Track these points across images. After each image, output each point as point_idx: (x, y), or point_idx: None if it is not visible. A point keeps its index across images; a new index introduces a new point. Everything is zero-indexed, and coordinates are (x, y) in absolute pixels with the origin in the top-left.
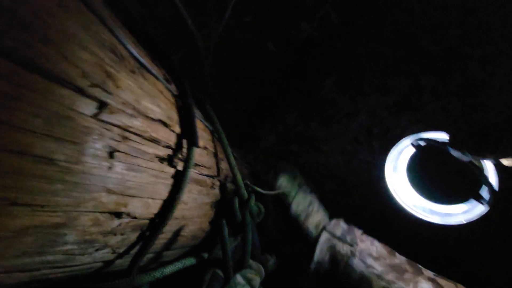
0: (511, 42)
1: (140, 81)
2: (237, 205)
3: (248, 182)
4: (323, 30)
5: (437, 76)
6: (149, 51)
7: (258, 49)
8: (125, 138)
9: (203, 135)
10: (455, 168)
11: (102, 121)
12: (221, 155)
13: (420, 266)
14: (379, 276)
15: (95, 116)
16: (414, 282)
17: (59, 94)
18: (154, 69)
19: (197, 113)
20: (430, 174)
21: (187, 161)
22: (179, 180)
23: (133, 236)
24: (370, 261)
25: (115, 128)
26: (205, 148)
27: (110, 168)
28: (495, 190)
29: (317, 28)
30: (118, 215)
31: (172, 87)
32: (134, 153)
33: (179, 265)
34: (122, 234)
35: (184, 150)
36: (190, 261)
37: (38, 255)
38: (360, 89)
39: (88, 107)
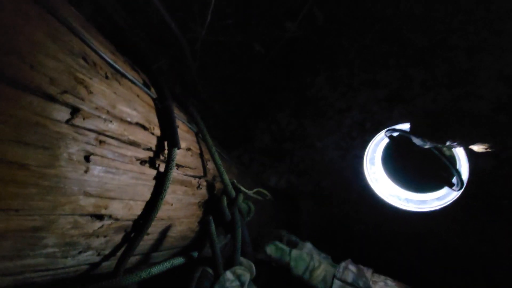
0: (494, 30)
1: (114, 86)
2: (225, 203)
3: (235, 181)
4: (308, 28)
5: (425, 69)
6: (128, 57)
7: (246, 51)
8: (101, 142)
9: (186, 137)
10: (425, 156)
11: (76, 126)
12: (207, 156)
13: None
14: None
15: (67, 122)
16: None
17: (28, 102)
18: (130, 74)
19: (180, 116)
20: (403, 164)
21: (168, 162)
22: (161, 181)
23: (117, 238)
24: None
25: (89, 133)
26: (188, 149)
27: (86, 171)
28: (461, 176)
29: (302, 27)
30: (99, 217)
31: (152, 90)
32: (111, 156)
33: (167, 264)
34: (105, 236)
35: (166, 152)
36: (178, 260)
37: (19, 259)
38: (351, 84)
39: (59, 114)
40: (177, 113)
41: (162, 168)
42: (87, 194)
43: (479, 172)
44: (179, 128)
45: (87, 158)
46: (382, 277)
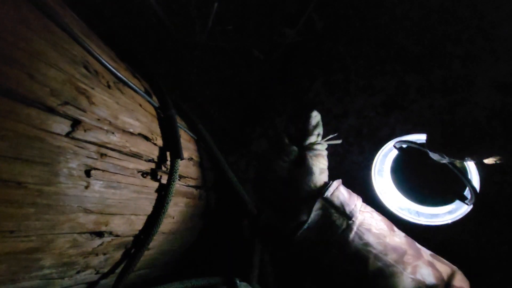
0: (488, 38)
1: (116, 95)
2: (246, 225)
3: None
4: (307, 34)
5: (421, 75)
6: (129, 65)
7: (244, 56)
8: (102, 155)
9: (188, 146)
10: (437, 169)
11: (76, 139)
12: (207, 165)
13: (419, 245)
14: (376, 256)
15: (68, 135)
16: (413, 266)
17: (26, 114)
18: (133, 82)
19: (182, 124)
20: (414, 177)
21: (171, 174)
22: (164, 194)
23: (117, 255)
24: (368, 237)
25: (91, 146)
26: (190, 159)
27: (86, 187)
28: (476, 190)
29: (301, 33)
30: (99, 234)
31: (154, 99)
32: (113, 170)
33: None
34: (104, 254)
35: (168, 163)
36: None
37: (12, 283)
38: (347, 90)
39: (59, 126)
40: (179, 121)
41: (164, 179)
42: (87, 211)
43: (489, 184)
44: (181, 137)
45: (88, 173)
46: (369, 208)
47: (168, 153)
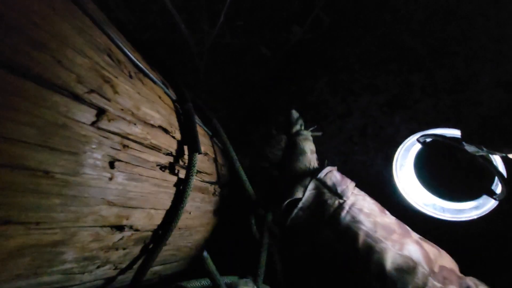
0: (492, 37)
1: (138, 86)
2: (253, 220)
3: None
4: (314, 33)
5: (426, 74)
6: (145, 57)
7: (250, 53)
8: (125, 146)
9: (203, 141)
10: (463, 164)
11: (101, 129)
12: (220, 161)
13: (408, 228)
14: (366, 233)
15: (93, 124)
16: (401, 244)
17: (54, 101)
18: (152, 74)
19: (196, 119)
20: (438, 171)
21: (189, 168)
22: (182, 188)
23: (136, 250)
24: (359, 216)
25: (114, 136)
26: (206, 154)
27: (110, 179)
28: (508, 184)
29: (309, 31)
30: (120, 228)
31: (171, 92)
32: (135, 162)
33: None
34: (124, 249)
35: (186, 157)
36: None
37: (34, 277)
38: (352, 89)
39: (85, 115)
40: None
41: (181, 174)
42: (110, 204)
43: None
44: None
45: (111, 164)
46: (363, 192)
47: (185, 147)
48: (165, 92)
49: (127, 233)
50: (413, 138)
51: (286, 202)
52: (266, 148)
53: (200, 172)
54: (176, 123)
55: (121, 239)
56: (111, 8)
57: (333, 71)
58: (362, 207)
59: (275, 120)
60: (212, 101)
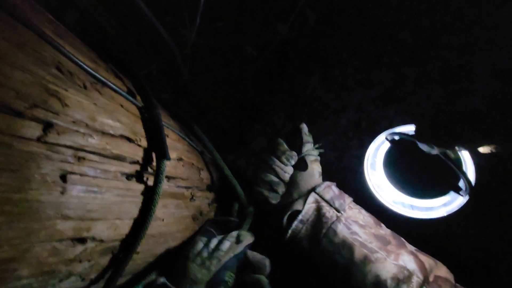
0: (484, 27)
1: (93, 96)
2: (236, 208)
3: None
4: (300, 30)
5: (419, 66)
6: (113, 65)
7: (238, 54)
8: (80, 158)
9: (177, 146)
10: (430, 161)
11: (49, 143)
12: (200, 165)
13: (404, 240)
14: (361, 244)
15: (39, 140)
16: (396, 254)
17: None
18: (113, 83)
19: (170, 124)
20: (407, 169)
21: (157, 175)
22: (150, 196)
23: (103, 260)
24: (355, 228)
25: (66, 150)
26: (180, 159)
27: (62, 193)
28: (470, 181)
29: (295, 28)
30: (81, 240)
31: (137, 99)
32: (92, 174)
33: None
34: (89, 260)
35: (154, 164)
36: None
37: None
38: (345, 85)
39: (29, 130)
40: (167, 122)
41: (150, 181)
42: (65, 218)
43: (486, 174)
44: (169, 137)
45: (63, 178)
46: (358, 206)
47: (154, 154)
48: (129, 100)
49: (90, 244)
50: (383, 136)
51: (287, 214)
52: (275, 163)
53: (173, 177)
54: (142, 131)
55: (84, 251)
56: (95, 18)
57: (326, 67)
58: (357, 219)
59: (284, 133)
60: (204, 102)
